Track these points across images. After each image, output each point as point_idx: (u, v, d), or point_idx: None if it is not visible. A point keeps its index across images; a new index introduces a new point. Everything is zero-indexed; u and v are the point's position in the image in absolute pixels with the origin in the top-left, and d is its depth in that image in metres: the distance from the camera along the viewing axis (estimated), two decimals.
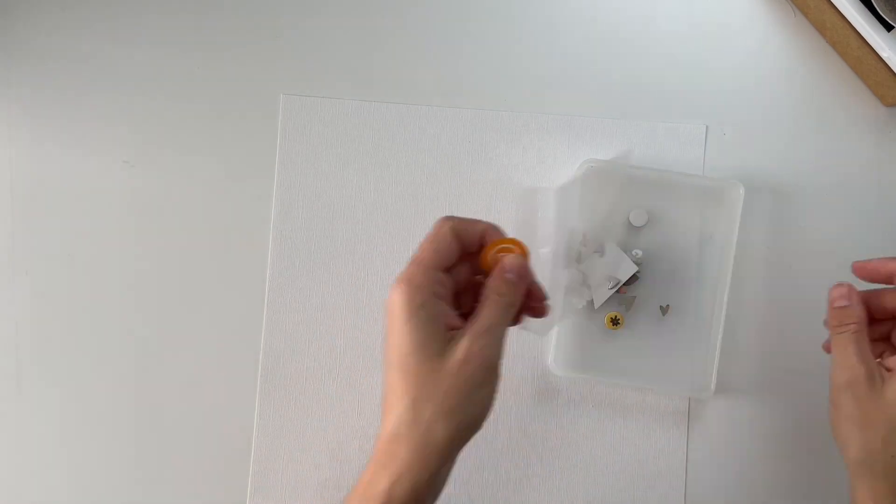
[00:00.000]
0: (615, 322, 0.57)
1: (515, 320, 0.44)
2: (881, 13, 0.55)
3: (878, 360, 0.47)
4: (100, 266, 0.58)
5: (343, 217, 0.59)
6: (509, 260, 0.43)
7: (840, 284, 0.48)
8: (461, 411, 0.40)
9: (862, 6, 0.55)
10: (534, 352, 0.58)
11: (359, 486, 0.41)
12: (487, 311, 0.41)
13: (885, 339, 0.50)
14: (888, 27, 0.55)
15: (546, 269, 0.56)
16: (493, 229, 0.44)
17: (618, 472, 0.58)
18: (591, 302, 0.57)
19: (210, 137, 0.59)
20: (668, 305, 0.57)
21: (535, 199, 0.52)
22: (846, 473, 0.47)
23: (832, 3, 0.57)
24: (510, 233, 0.45)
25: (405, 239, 0.59)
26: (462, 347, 0.40)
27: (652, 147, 0.59)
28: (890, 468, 0.45)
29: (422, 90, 0.60)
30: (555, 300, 0.47)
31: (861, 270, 0.49)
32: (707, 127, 0.60)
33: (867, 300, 0.48)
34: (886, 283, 0.48)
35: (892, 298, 0.48)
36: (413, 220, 0.59)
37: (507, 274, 0.42)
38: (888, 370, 0.46)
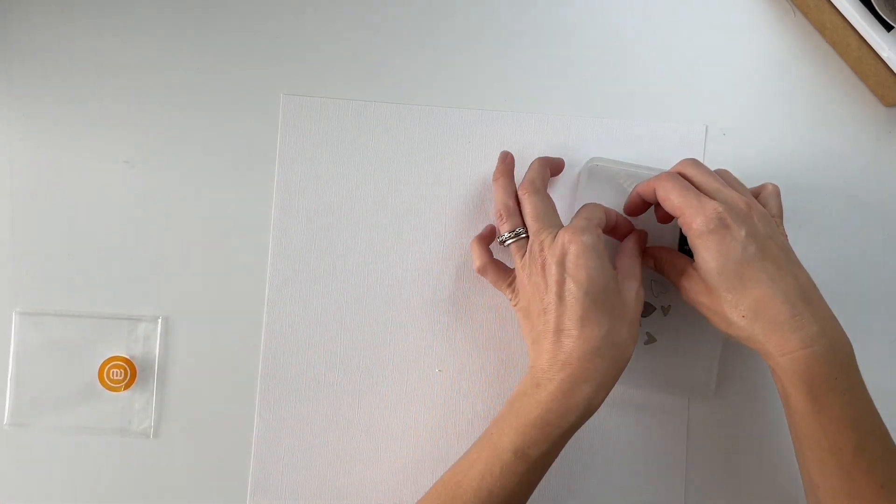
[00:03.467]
0: None
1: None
2: (881, 13, 0.55)
3: None
4: (100, 266, 0.58)
5: (343, 217, 0.59)
6: (637, 236, 0.54)
7: (627, 238, 0.55)
8: (637, 333, 0.51)
9: (862, 6, 0.55)
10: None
11: (550, 398, 0.48)
12: (630, 264, 0.52)
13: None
14: (888, 27, 0.55)
15: None
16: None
17: (617, 471, 0.58)
18: None
19: (210, 137, 0.59)
20: (668, 305, 0.57)
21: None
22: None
23: (832, 3, 0.57)
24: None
25: (405, 238, 0.59)
26: (632, 286, 0.51)
27: (652, 147, 0.59)
28: (750, 325, 0.48)
29: (422, 90, 0.60)
30: None
31: (630, 208, 0.55)
32: (706, 127, 0.60)
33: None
34: (651, 202, 0.54)
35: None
36: (413, 220, 0.59)
37: (637, 248, 0.53)
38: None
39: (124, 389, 0.58)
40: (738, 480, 0.58)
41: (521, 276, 0.52)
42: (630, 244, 0.54)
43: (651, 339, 0.57)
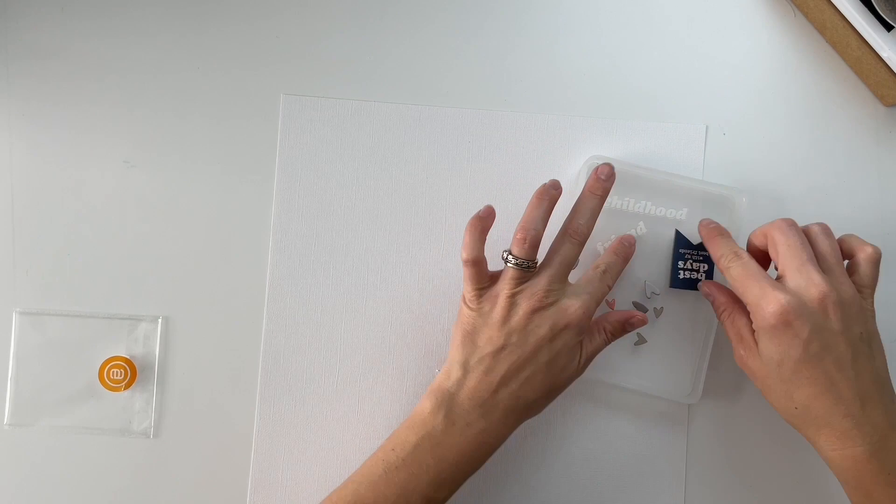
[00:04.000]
0: None
1: None
2: (881, 13, 0.55)
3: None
4: (100, 266, 0.58)
5: (343, 217, 0.59)
6: (637, 318, 0.55)
7: (702, 284, 0.55)
8: None
9: (862, 6, 0.55)
10: None
11: (468, 444, 0.49)
12: (597, 339, 0.54)
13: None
14: (888, 27, 0.55)
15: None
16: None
17: (617, 472, 0.58)
18: None
19: (210, 137, 0.59)
20: (661, 308, 0.57)
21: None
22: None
23: (832, 3, 0.57)
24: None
25: (405, 238, 0.59)
26: (585, 359, 0.53)
27: (651, 147, 0.59)
28: (801, 416, 0.48)
29: (422, 90, 0.60)
30: None
31: (752, 253, 0.53)
32: (707, 127, 0.60)
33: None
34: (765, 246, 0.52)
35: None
36: (413, 220, 0.59)
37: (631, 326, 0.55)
38: (754, 332, 0.50)
39: (124, 389, 0.58)
40: (738, 482, 0.58)
41: (500, 301, 0.50)
42: (612, 321, 0.54)
43: (641, 340, 0.57)
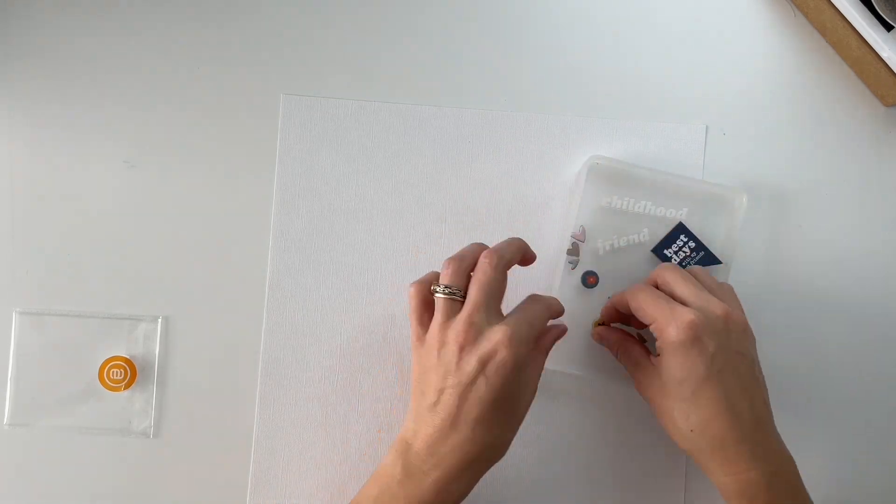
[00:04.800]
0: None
1: None
2: (881, 13, 0.55)
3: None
4: (99, 266, 0.58)
5: (343, 217, 0.59)
6: (561, 329, 0.52)
7: (592, 332, 0.56)
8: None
9: (862, 6, 0.55)
10: None
11: (423, 496, 0.47)
12: (540, 360, 0.50)
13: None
14: (888, 27, 0.55)
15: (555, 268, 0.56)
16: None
17: (617, 472, 0.58)
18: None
19: (210, 137, 0.59)
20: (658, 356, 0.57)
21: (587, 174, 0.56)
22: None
23: (832, 3, 0.57)
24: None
25: (405, 239, 0.59)
26: (534, 389, 0.49)
27: (652, 147, 0.59)
28: (696, 440, 0.48)
29: (422, 90, 0.60)
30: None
31: (606, 320, 0.56)
32: (707, 127, 0.60)
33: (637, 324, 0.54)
34: (627, 313, 0.52)
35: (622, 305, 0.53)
36: (413, 220, 0.59)
37: (559, 338, 0.52)
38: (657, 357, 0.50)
39: (124, 389, 0.58)
40: None
41: (434, 337, 0.48)
42: (548, 338, 0.51)
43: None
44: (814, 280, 0.59)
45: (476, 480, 0.48)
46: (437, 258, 0.58)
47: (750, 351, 0.49)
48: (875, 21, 0.55)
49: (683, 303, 0.49)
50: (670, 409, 0.48)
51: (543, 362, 0.50)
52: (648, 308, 0.49)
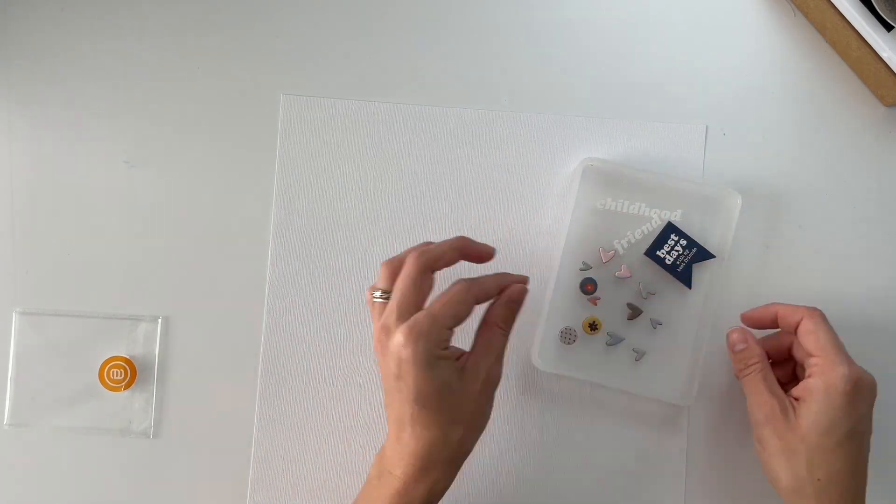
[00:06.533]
0: (593, 327, 0.57)
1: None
2: (881, 13, 0.55)
3: (787, 393, 0.51)
4: (99, 266, 0.58)
5: (343, 217, 0.59)
6: (513, 290, 0.50)
7: (734, 330, 0.53)
8: (482, 424, 0.49)
9: (862, 6, 0.55)
10: (523, 352, 0.58)
11: (392, 494, 0.47)
12: (493, 339, 0.49)
13: (792, 378, 0.54)
14: (888, 27, 0.55)
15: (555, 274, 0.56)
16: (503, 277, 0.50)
17: (617, 473, 0.58)
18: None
19: (210, 137, 0.59)
20: (659, 321, 0.57)
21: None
22: None
23: (832, 3, 0.57)
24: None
25: (405, 239, 0.59)
26: (479, 377, 0.47)
27: (651, 147, 0.59)
28: (818, 491, 0.48)
29: (422, 90, 0.60)
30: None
31: (749, 320, 0.54)
32: (707, 127, 0.60)
33: (767, 346, 0.53)
34: (773, 326, 0.53)
35: (786, 338, 0.53)
36: (413, 220, 0.59)
37: (512, 304, 0.50)
38: (796, 399, 0.49)
39: (124, 389, 0.58)
40: (738, 482, 0.58)
41: (378, 342, 0.47)
42: (495, 312, 0.49)
43: (640, 355, 0.57)
44: (814, 280, 0.59)
45: (446, 480, 0.48)
46: None
47: (871, 418, 0.49)
48: (875, 21, 0.55)
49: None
50: (798, 455, 0.48)
51: (500, 341, 0.49)
52: (825, 341, 0.49)
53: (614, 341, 0.57)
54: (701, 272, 0.57)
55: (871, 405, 0.49)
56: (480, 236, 0.57)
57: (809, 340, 0.49)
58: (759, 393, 0.50)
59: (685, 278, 0.57)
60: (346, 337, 0.58)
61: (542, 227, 0.59)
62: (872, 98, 0.60)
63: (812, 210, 0.60)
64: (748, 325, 0.54)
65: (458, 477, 0.49)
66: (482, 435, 0.50)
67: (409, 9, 0.60)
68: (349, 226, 0.59)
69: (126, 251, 0.58)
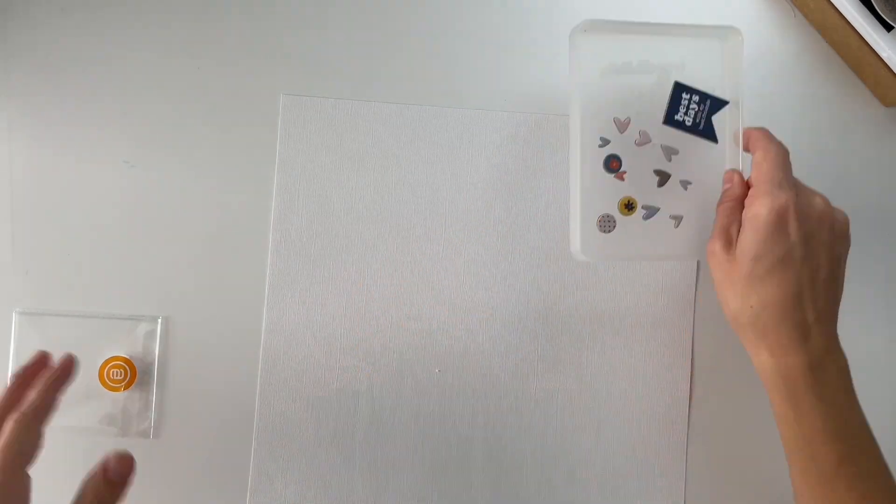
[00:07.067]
0: (630, 207, 0.55)
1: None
2: (881, 13, 0.55)
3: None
4: (99, 266, 0.58)
5: (343, 217, 0.59)
6: (114, 462, 0.47)
7: (729, 169, 0.53)
8: None
9: (862, 6, 0.55)
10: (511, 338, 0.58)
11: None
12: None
13: None
14: (888, 27, 0.55)
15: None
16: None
17: (617, 471, 0.58)
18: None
19: (210, 137, 0.59)
20: (688, 181, 0.55)
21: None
22: None
23: (832, 3, 0.57)
24: None
25: (404, 238, 0.59)
26: None
27: None
28: (752, 318, 0.48)
29: (422, 90, 0.60)
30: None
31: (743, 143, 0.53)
32: None
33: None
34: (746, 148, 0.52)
35: None
36: (412, 220, 0.59)
37: (108, 474, 0.47)
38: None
39: (124, 390, 0.58)
40: (738, 480, 0.58)
41: None
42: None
43: (678, 220, 0.55)
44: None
45: None
46: (436, 258, 0.58)
47: (840, 255, 0.49)
48: (875, 21, 0.55)
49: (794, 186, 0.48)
50: (733, 285, 0.48)
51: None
52: (770, 166, 0.48)
53: (650, 213, 0.55)
54: (720, 122, 0.55)
55: (817, 233, 0.48)
56: (480, 236, 0.57)
57: (754, 173, 0.49)
58: (716, 227, 0.51)
59: (709, 133, 0.55)
60: (345, 336, 0.58)
61: (543, 226, 0.59)
62: (872, 98, 0.60)
63: None
64: (743, 146, 0.53)
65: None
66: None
67: (410, 9, 0.60)
68: (349, 225, 0.59)
69: (126, 251, 0.58)
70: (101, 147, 0.58)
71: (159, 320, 0.58)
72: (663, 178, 0.55)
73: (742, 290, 0.48)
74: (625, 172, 0.54)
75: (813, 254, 0.48)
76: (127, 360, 0.58)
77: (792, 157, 0.60)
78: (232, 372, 0.58)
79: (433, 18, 0.60)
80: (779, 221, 0.47)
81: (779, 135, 0.60)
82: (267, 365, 0.58)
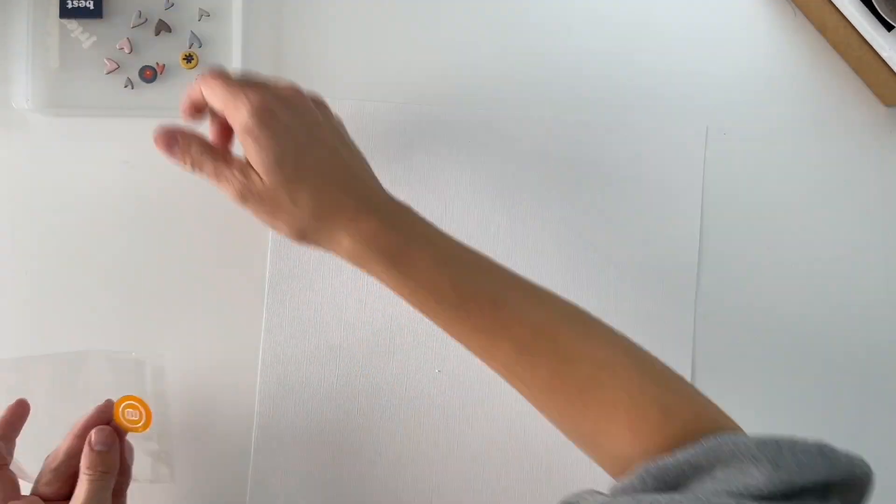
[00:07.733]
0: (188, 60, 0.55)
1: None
2: (881, 13, 0.55)
3: None
4: (99, 266, 0.58)
5: None
6: (95, 434, 0.48)
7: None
8: None
9: (862, 6, 0.55)
10: None
11: None
12: (83, 490, 0.47)
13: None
14: (888, 27, 0.55)
15: None
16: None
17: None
18: None
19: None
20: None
21: None
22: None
23: (833, 4, 0.57)
24: None
25: None
26: None
27: (652, 147, 0.59)
28: (315, 212, 0.45)
29: (422, 90, 0.60)
30: None
31: (186, 114, 0.49)
32: (707, 127, 0.60)
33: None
34: (200, 109, 0.48)
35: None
36: None
37: (97, 446, 0.48)
38: None
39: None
40: None
41: None
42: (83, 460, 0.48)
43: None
44: (813, 280, 0.59)
45: None
46: None
47: (330, 120, 0.48)
48: (875, 21, 0.55)
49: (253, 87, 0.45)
50: (280, 202, 0.45)
51: (85, 489, 0.47)
52: (220, 92, 0.45)
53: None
54: None
55: (302, 111, 0.46)
56: (479, 236, 0.57)
57: (214, 104, 0.46)
58: (224, 183, 0.47)
59: None
60: (346, 336, 0.58)
61: (544, 224, 0.59)
62: (872, 98, 0.60)
63: (812, 209, 0.60)
64: (188, 117, 0.49)
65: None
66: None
67: (409, 9, 0.60)
68: None
69: (125, 251, 0.58)
70: (101, 147, 0.58)
71: (159, 320, 0.58)
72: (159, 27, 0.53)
73: (289, 201, 0.44)
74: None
75: (314, 133, 0.46)
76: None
77: (792, 157, 0.60)
78: (232, 374, 0.58)
79: (433, 19, 0.60)
80: (268, 114, 0.44)
81: (779, 134, 0.60)
82: (267, 365, 0.58)
